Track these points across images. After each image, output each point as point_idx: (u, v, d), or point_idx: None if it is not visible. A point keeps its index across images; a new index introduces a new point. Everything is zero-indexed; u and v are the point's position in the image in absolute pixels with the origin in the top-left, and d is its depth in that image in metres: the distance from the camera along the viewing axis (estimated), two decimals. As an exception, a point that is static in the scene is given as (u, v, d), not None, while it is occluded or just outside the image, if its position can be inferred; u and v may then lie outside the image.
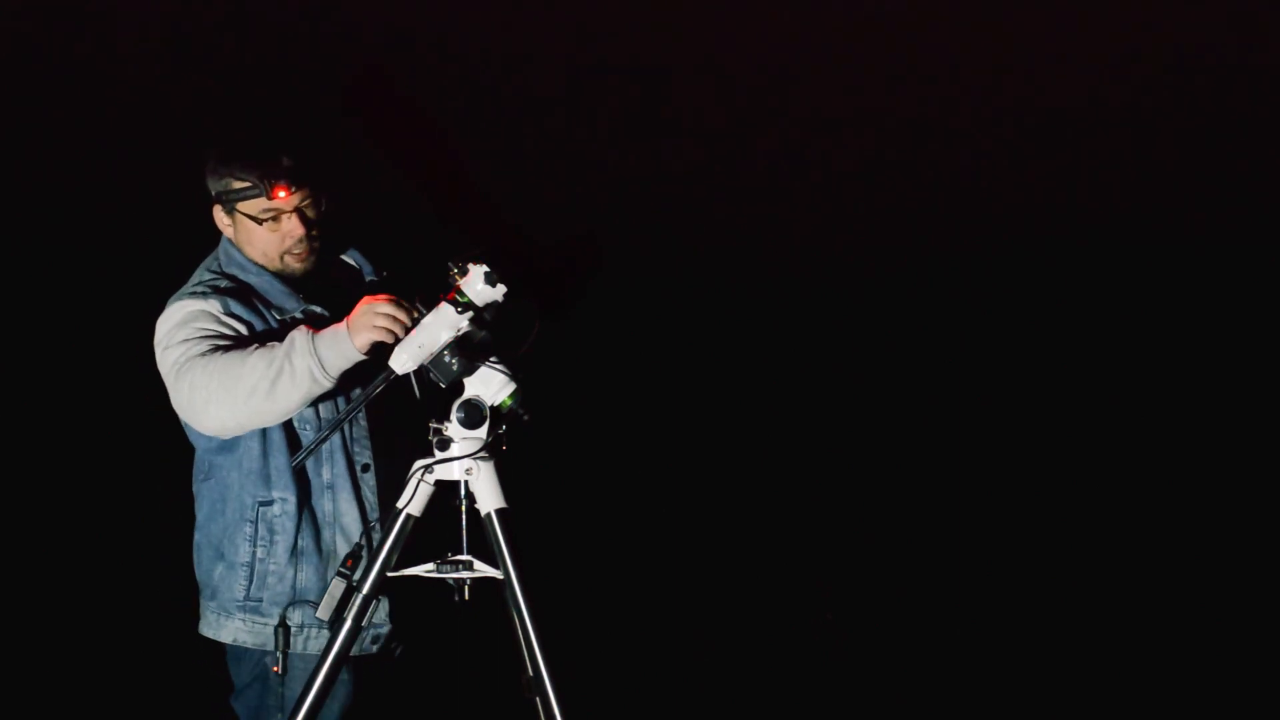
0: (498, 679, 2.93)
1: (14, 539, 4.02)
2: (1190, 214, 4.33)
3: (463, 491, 2.78)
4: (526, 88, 4.20)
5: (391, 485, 2.84)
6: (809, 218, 4.34)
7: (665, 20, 4.22)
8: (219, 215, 2.88)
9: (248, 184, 2.79)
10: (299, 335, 2.73)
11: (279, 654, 2.80)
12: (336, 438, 2.87)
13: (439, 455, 2.76)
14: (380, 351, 2.74)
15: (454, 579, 2.79)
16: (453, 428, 2.76)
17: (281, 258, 2.86)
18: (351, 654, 2.80)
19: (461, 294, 2.72)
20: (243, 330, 2.80)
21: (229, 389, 2.69)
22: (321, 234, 2.88)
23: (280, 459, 2.84)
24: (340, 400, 2.84)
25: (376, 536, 2.84)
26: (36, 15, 3.95)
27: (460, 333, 2.73)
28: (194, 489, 2.96)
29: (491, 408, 2.76)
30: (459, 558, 2.79)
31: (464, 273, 2.72)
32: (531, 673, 2.76)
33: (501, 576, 2.76)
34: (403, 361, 2.72)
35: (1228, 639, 4.14)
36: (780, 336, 4.32)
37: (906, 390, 4.37)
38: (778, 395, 4.36)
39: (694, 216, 4.31)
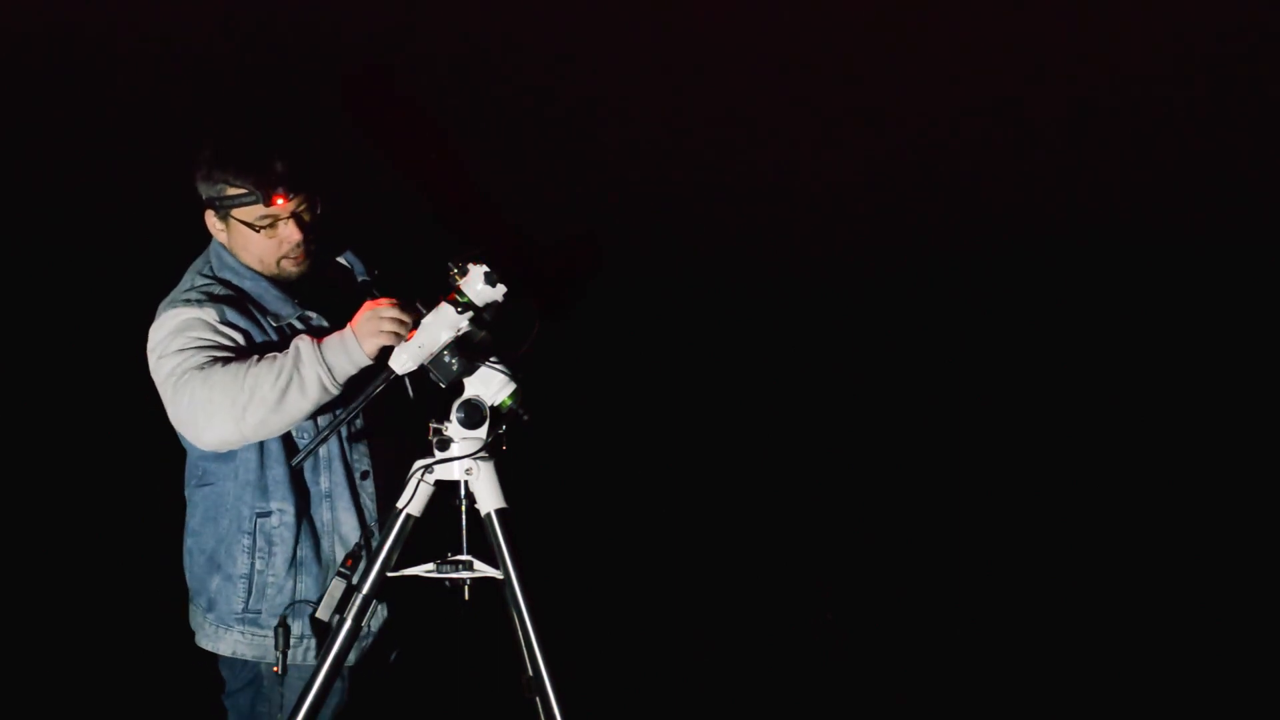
0: (498, 679, 2.93)
1: (14, 539, 4.01)
2: (1190, 214, 4.33)
3: (463, 491, 2.78)
4: (526, 87, 4.20)
5: (390, 492, 2.84)
6: (809, 218, 4.34)
7: (665, 20, 4.22)
8: (211, 220, 2.83)
9: (243, 190, 2.74)
10: (304, 344, 2.71)
11: (279, 654, 2.79)
12: (334, 445, 2.86)
13: (439, 455, 2.76)
14: (381, 352, 2.74)
15: (454, 579, 2.79)
16: (453, 428, 2.76)
17: (278, 263, 2.84)
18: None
19: (461, 294, 2.72)
20: (239, 339, 2.78)
21: (233, 402, 2.66)
22: (318, 236, 2.86)
23: (278, 469, 2.82)
24: (338, 407, 2.82)
25: (375, 544, 2.83)
26: (36, 15, 3.94)
27: (460, 333, 2.73)
28: (186, 493, 2.93)
29: (491, 408, 2.76)
30: (459, 558, 2.79)
31: (464, 273, 2.72)
32: (531, 673, 2.77)
33: (501, 576, 2.76)
34: (403, 362, 2.72)
35: (1228, 639, 4.14)
36: (780, 336, 4.32)
37: (906, 390, 4.37)
38: (778, 395, 4.36)
39: (694, 216, 4.31)
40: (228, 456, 2.81)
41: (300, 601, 2.83)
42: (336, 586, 2.77)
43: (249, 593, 2.84)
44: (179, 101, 3.97)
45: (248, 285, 2.84)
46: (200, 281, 2.84)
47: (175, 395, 2.71)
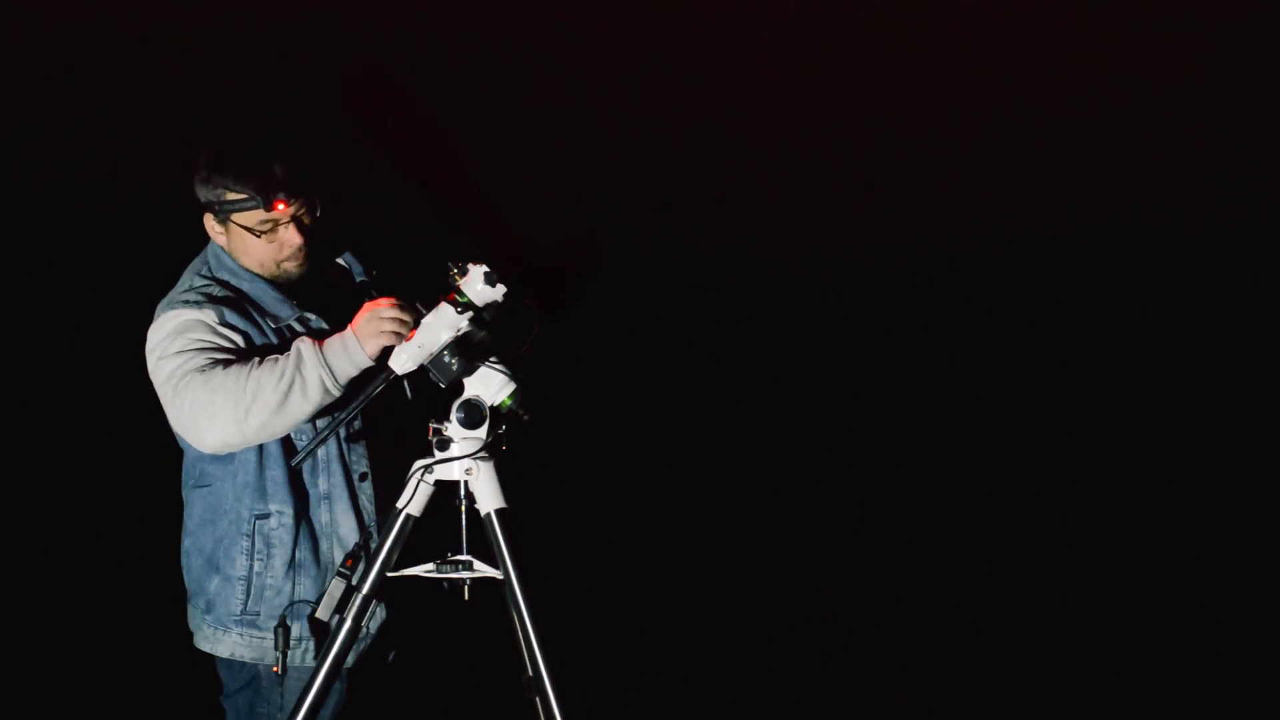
0: (498, 679, 2.93)
1: (14, 539, 4.01)
2: (1190, 214, 4.33)
3: (462, 491, 2.78)
4: (526, 87, 4.20)
5: (389, 494, 2.83)
6: (809, 218, 4.34)
7: (665, 20, 4.22)
8: (210, 223, 2.82)
9: (243, 196, 2.73)
10: (305, 346, 2.71)
11: (279, 654, 2.79)
12: (333, 446, 2.85)
13: (439, 455, 2.76)
14: (381, 353, 2.74)
15: (454, 579, 2.79)
16: (452, 428, 2.76)
17: (279, 266, 2.83)
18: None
19: (461, 294, 2.72)
20: (238, 340, 2.77)
21: (235, 404, 2.65)
22: (317, 237, 2.86)
23: (277, 470, 2.82)
24: (337, 408, 2.82)
25: (374, 544, 2.83)
26: (36, 15, 3.94)
27: (460, 333, 2.73)
28: (183, 494, 2.93)
29: (491, 408, 2.76)
30: (459, 558, 2.79)
31: (464, 273, 2.72)
32: (531, 673, 2.76)
33: (501, 576, 2.76)
34: (403, 362, 2.72)
35: (1228, 639, 4.14)
36: (780, 336, 4.32)
37: (906, 390, 4.37)
38: (778, 395, 4.36)
39: (694, 216, 4.31)
40: (226, 458, 2.81)
41: (299, 602, 2.83)
42: (336, 587, 2.77)
43: (247, 594, 2.84)
44: (178, 101, 3.97)
45: (246, 286, 2.84)
46: (199, 282, 2.83)
47: (176, 398, 2.70)
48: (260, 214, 2.75)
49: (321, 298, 2.89)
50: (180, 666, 3.09)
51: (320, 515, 2.86)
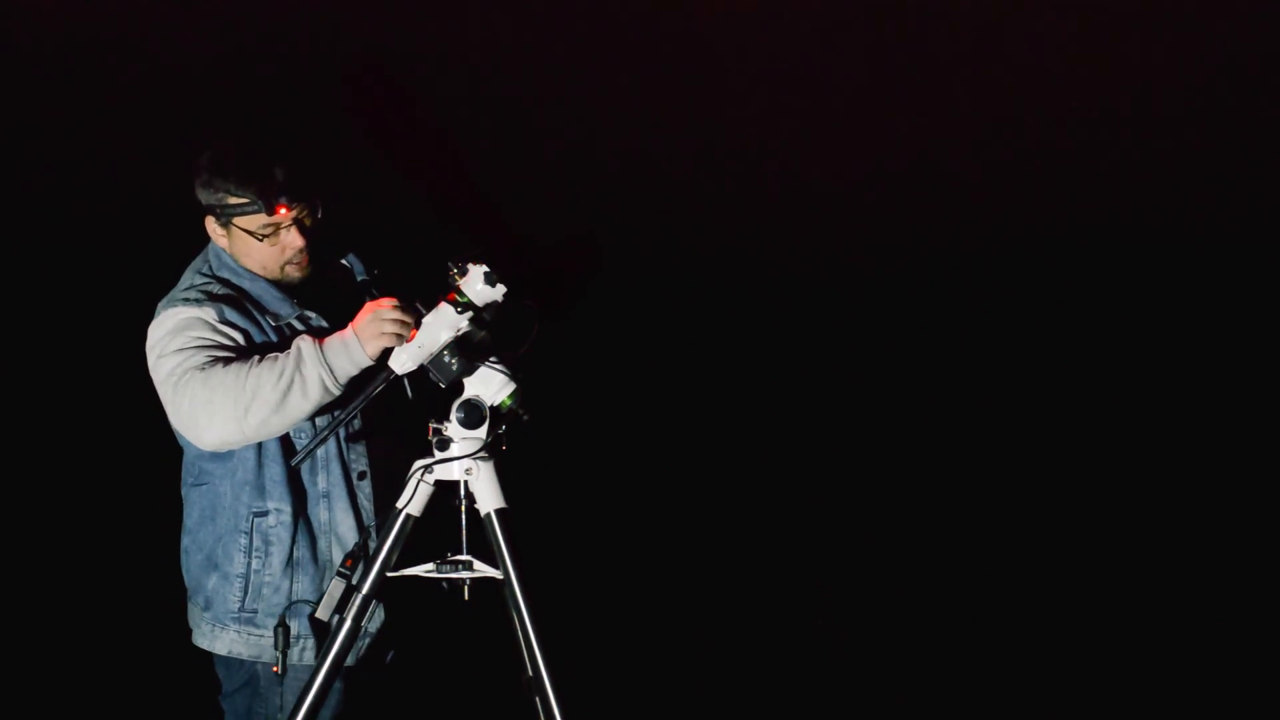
0: (498, 679, 2.93)
1: (14, 539, 4.01)
2: (1190, 214, 4.33)
3: (462, 491, 2.78)
4: (526, 87, 4.20)
5: (388, 493, 2.83)
6: (809, 218, 4.34)
7: (665, 20, 4.22)
8: (212, 226, 2.82)
9: (245, 200, 2.73)
10: (305, 345, 2.71)
11: (279, 654, 2.79)
12: (332, 445, 2.86)
13: (439, 455, 2.76)
14: (381, 353, 2.74)
15: (454, 579, 2.79)
16: (452, 428, 2.76)
17: (281, 268, 2.84)
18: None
19: (461, 294, 2.72)
20: (238, 339, 2.77)
21: (235, 403, 2.65)
22: (319, 239, 2.86)
23: (275, 469, 2.82)
24: (336, 407, 2.82)
25: (373, 544, 2.83)
26: (36, 15, 3.95)
27: (460, 333, 2.73)
28: (183, 492, 2.93)
29: (491, 408, 2.76)
30: (459, 558, 2.79)
31: (464, 273, 2.72)
32: (531, 673, 2.77)
33: (501, 576, 2.76)
34: (403, 362, 2.72)
35: (1228, 639, 4.14)
36: (780, 336, 4.32)
37: (906, 390, 4.37)
38: (778, 395, 4.36)
39: (694, 216, 4.31)
40: (225, 456, 2.81)
41: (299, 602, 2.83)
42: (336, 587, 2.77)
43: (245, 592, 2.84)
44: (179, 101, 3.97)
45: (247, 284, 2.84)
46: (199, 280, 2.83)
47: (175, 396, 2.71)
48: (262, 218, 2.75)
49: (322, 296, 2.89)
50: (180, 666, 3.09)
51: (319, 514, 2.86)
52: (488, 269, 2.71)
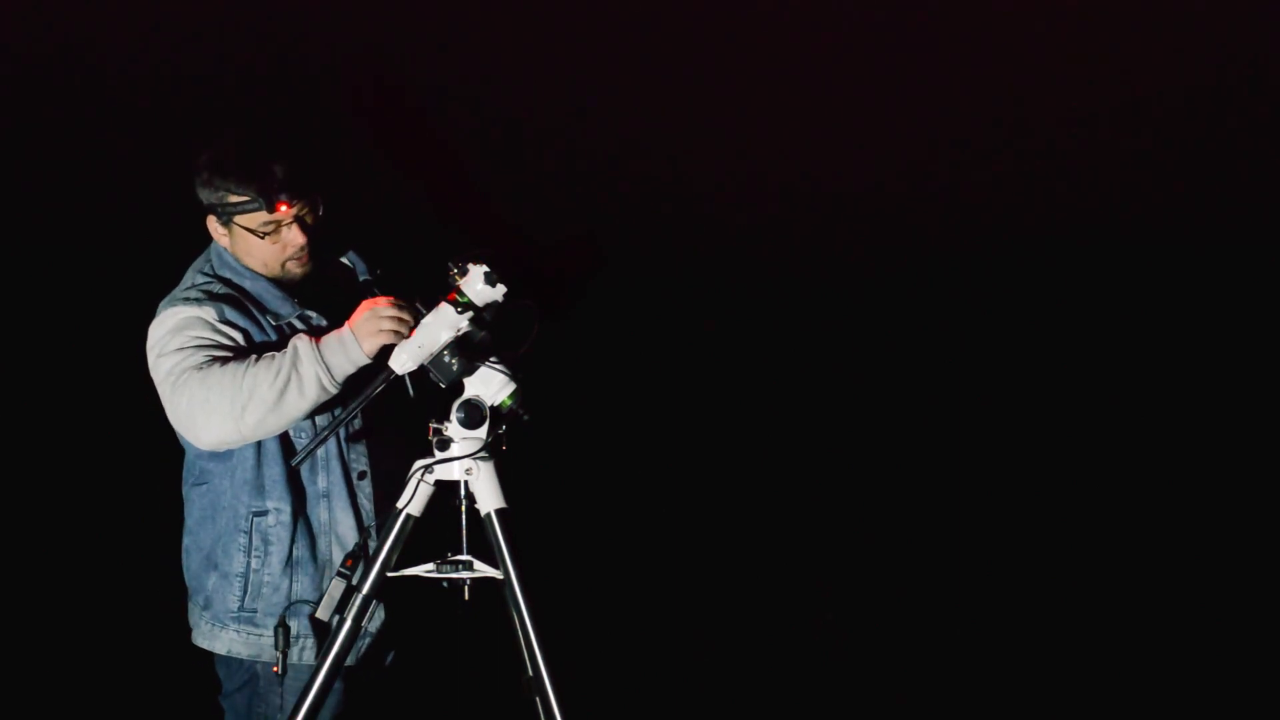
0: (498, 679, 2.93)
1: (14, 539, 4.01)
2: (1190, 214, 4.33)
3: (463, 491, 2.78)
4: (527, 87, 4.20)
5: (388, 493, 2.83)
6: (809, 218, 4.34)
7: (665, 19, 4.22)
8: (213, 225, 2.82)
9: (246, 198, 2.73)
10: (302, 343, 2.71)
11: (279, 654, 2.79)
12: (332, 445, 2.85)
13: (439, 455, 2.76)
14: (380, 352, 2.74)
15: (454, 579, 2.79)
16: (452, 428, 2.76)
17: (283, 266, 2.84)
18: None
19: (461, 294, 2.72)
20: (238, 338, 2.77)
21: (231, 402, 2.65)
22: (320, 236, 2.86)
23: (275, 468, 2.82)
24: (336, 407, 2.82)
25: (373, 544, 2.83)
26: (37, 15, 3.94)
27: (460, 333, 2.73)
28: (184, 492, 2.93)
29: (491, 408, 2.76)
30: (459, 558, 2.79)
31: (464, 273, 2.72)
32: (531, 673, 2.76)
33: (501, 576, 2.76)
34: (403, 362, 2.72)
35: (1228, 639, 4.14)
36: (780, 336, 4.32)
37: (906, 390, 4.37)
38: (778, 395, 4.36)
39: (694, 216, 4.31)
40: (225, 455, 2.81)
41: (299, 601, 2.83)
42: (336, 587, 2.77)
43: (244, 591, 2.84)
44: (179, 101, 3.96)
45: (248, 284, 2.84)
46: (200, 280, 2.84)
47: (174, 395, 2.71)
48: (263, 215, 2.75)
49: (323, 296, 2.89)
50: (180, 666, 3.09)
51: (319, 513, 2.86)
52: (488, 269, 2.71)
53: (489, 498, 2.77)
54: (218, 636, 2.88)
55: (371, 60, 4.11)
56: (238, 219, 2.77)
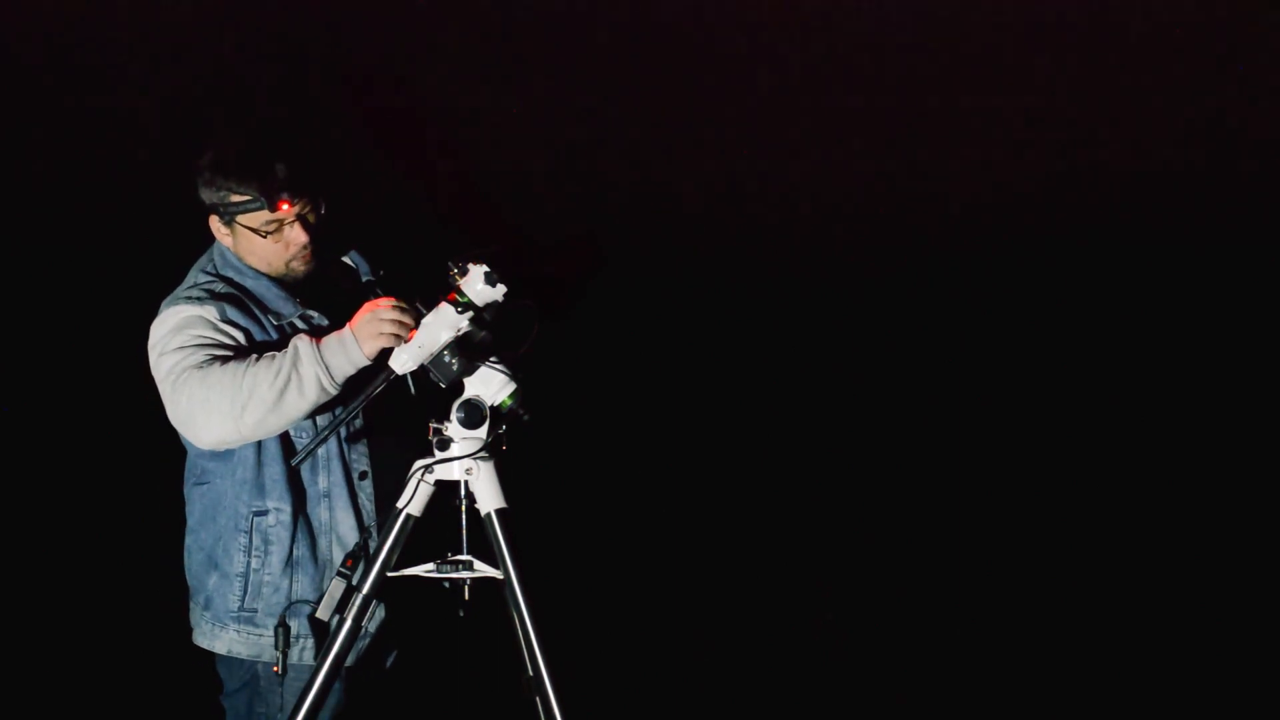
0: (498, 679, 2.93)
1: (14, 539, 4.01)
2: (1190, 214, 4.33)
3: (463, 491, 2.79)
4: (527, 87, 4.20)
5: (389, 493, 2.84)
6: (809, 218, 4.34)
7: (665, 19, 4.22)
8: (216, 224, 2.83)
9: (248, 197, 2.74)
10: (302, 344, 2.71)
11: (279, 654, 2.79)
12: (333, 445, 2.86)
13: (439, 455, 2.76)
14: (381, 352, 2.74)
15: (454, 579, 2.79)
16: (453, 428, 2.76)
17: (286, 264, 2.84)
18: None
19: (461, 294, 2.72)
20: (239, 337, 2.78)
21: (231, 401, 2.66)
22: (322, 235, 2.87)
23: (275, 468, 2.82)
24: (337, 407, 2.82)
25: (374, 544, 2.84)
26: (38, 14, 3.95)
27: (460, 333, 2.73)
28: (185, 492, 2.94)
29: (491, 408, 2.77)
30: (459, 558, 2.79)
31: (464, 273, 2.73)
32: (531, 673, 2.77)
33: (501, 576, 2.76)
34: (403, 362, 2.72)
35: (1228, 639, 4.14)
36: (780, 336, 4.32)
37: (906, 390, 4.37)
38: (778, 395, 4.36)
39: (694, 216, 4.31)
40: (225, 455, 2.81)
41: (299, 601, 2.83)
42: (336, 586, 2.77)
43: (245, 591, 2.85)
44: (180, 101, 3.96)
45: (250, 283, 2.85)
46: (203, 279, 2.85)
47: (174, 394, 2.72)
48: (265, 214, 2.76)
49: (325, 295, 2.89)
50: (180, 666, 3.09)
51: (319, 513, 2.86)
52: (488, 269, 2.71)
53: (489, 498, 2.77)
54: (218, 636, 2.88)
55: (373, 60, 4.11)
56: (240, 218, 2.77)
